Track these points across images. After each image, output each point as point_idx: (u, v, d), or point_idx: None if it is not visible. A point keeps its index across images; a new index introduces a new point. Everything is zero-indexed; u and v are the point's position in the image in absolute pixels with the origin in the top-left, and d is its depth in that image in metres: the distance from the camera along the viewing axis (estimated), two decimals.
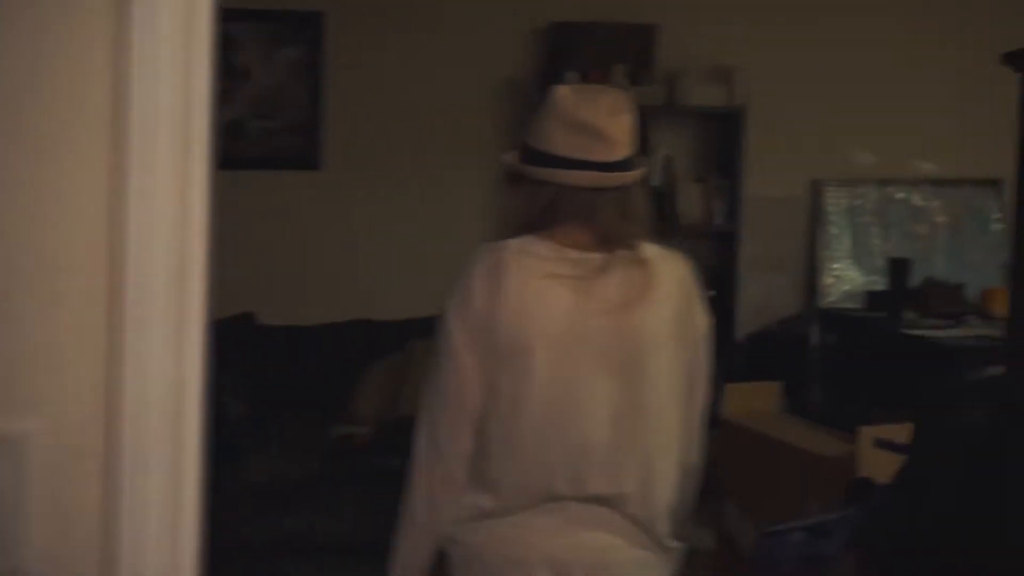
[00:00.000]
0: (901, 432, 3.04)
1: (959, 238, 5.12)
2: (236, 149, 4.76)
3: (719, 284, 4.90)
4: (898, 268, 4.00)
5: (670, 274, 1.69)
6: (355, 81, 4.91)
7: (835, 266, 5.01)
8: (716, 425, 4.66)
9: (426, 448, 1.66)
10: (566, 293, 1.61)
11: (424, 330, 4.60)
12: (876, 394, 3.92)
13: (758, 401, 3.77)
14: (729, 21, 5.07)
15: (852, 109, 5.13)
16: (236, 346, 4.53)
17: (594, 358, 1.62)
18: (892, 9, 5.17)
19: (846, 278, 4.99)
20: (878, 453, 2.95)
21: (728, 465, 3.71)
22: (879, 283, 4.89)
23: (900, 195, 5.11)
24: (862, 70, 5.13)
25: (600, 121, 1.64)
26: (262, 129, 4.81)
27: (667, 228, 4.73)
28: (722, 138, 5.02)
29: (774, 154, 5.05)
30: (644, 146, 4.74)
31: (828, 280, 5.00)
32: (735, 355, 4.83)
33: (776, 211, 5.10)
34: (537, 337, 1.59)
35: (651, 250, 1.69)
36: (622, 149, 1.67)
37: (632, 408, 1.64)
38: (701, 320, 1.75)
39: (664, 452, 1.68)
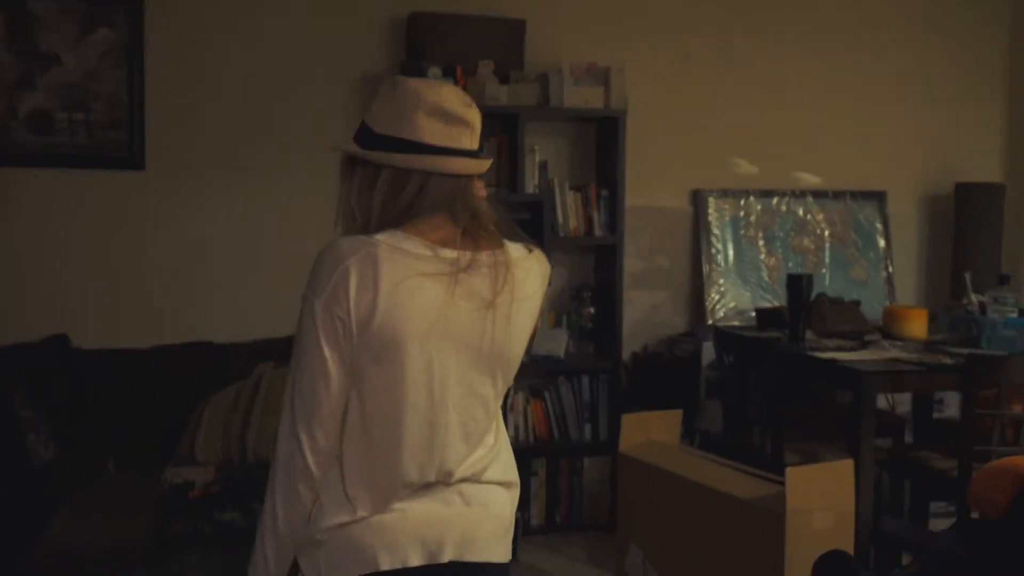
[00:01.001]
0: (830, 472, 2.73)
1: (843, 252, 4.98)
2: (42, 144, 4.28)
3: (601, 301, 4.57)
4: (796, 285, 3.75)
5: (535, 273, 1.76)
6: (182, 69, 4.36)
7: (720, 281, 4.75)
8: (606, 453, 4.32)
9: (287, 447, 1.65)
10: (438, 289, 1.64)
11: (273, 352, 4.17)
12: (783, 422, 3.65)
13: (656, 431, 3.41)
14: (603, 19, 4.80)
15: (733, 117, 4.93)
16: (46, 375, 3.93)
17: (463, 351, 1.67)
18: (773, 16, 5.00)
19: (732, 294, 4.75)
20: (809, 493, 2.64)
21: (628, 505, 3.34)
22: (766, 299, 4.66)
23: (783, 207, 4.92)
24: (742, 77, 4.93)
25: (462, 111, 1.69)
26: (73, 122, 4.18)
27: (544, 239, 4.36)
28: (601, 144, 4.68)
29: (654, 161, 4.78)
30: (517, 150, 4.43)
31: (714, 296, 4.73)
32: (619, 377, 4.47)
33: (658, 222, 4.84)
34: (410, 333, 1.62)
35: (516, 250, 1.75)
36: (478, 138, 1.74)
37: (493, 398, 1.74)
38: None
39: (504, 433, 1.82)
